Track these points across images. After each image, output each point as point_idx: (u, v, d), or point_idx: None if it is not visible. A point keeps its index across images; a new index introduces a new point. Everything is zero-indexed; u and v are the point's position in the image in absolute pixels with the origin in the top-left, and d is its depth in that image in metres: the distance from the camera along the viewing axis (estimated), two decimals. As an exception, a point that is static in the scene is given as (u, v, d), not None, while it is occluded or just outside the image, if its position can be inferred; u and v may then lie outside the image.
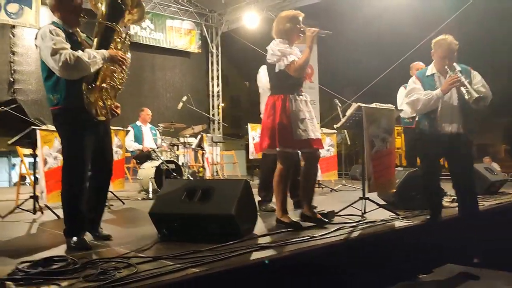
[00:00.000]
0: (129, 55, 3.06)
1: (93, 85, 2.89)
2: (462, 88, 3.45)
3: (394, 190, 4.34)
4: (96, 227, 3.09)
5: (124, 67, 3.02)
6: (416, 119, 4.02)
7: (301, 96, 3.56)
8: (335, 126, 4.58)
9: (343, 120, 4.14)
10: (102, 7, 2.98)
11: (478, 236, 3.54)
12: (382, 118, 4.20)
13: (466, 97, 3.41)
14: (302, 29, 3.59)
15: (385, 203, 4.48)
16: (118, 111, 3.10)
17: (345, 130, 7.08)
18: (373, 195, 4.25)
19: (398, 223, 3.69)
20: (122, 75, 3.04)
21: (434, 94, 3.56)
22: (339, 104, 6.97)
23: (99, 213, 3.13)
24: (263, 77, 4.38)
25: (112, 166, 3.20)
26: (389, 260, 3.31)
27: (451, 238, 3.87)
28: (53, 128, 4.92)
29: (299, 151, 3.70)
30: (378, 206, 4.09)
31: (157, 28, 11.34)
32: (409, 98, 3.68)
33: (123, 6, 3.01)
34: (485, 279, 3.25)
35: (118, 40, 3.01)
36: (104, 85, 2.95)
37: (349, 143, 7.90)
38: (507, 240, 3.53)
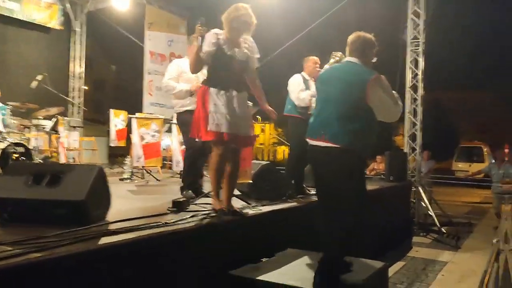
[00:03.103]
0: None
1: None
2: None
3: (251, 181, 4.65)
4: None
5: None
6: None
7: (234, 92, 3.52)
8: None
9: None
10: None
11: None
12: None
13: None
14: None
15: (239, 193, 4.77)
16: None
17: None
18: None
19: (248, 212, 3.97)
20: None
21: None
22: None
23: None
24: None
25: None
26: (237, 245, 3.55)
27: (292, 226, 4.31)
28: None
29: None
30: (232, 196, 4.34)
31: (11, -3, 10.21)
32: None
33: None
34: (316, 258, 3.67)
35: None
36: None
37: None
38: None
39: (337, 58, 4.83)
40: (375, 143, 3.35)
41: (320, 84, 3.46)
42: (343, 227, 3.14)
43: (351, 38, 3.35)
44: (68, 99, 10.76)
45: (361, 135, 3.11)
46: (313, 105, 5.13)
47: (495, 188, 9.38)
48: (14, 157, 5.42)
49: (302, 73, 5.42)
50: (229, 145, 3.55)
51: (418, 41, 8.65)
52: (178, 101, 4.86)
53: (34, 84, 6.94)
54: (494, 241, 2.66)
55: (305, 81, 5.34)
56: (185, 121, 4.80)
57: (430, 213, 8.58)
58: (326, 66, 4.74)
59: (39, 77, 6.96)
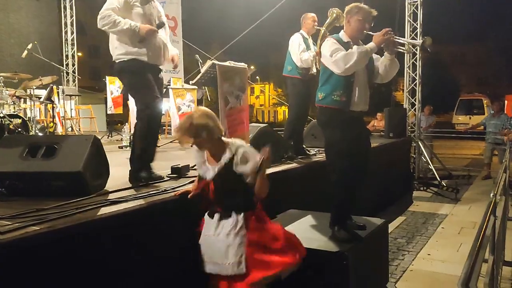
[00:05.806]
0: None
1: None
2: (400, 40, 3.29)
3: (249, 144, 4.61)
4: None
5: None
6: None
7: None
8: (190, 82, 4.64)
9: (198, 76, 4.21)
10: None
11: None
12: (236, 76, 4.37)
13: (406, 48, 3.33)
14: None
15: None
16: None
17: (206, 87, 7.18)
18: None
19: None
20: None
21: (368, 47, 3.21)
22: (200, 60, 6.98)
23: None
24: None
25: None
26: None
27: (293, 187, 4.33)
28: None
29: None
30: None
31: (-4, -37, 9.87)
32: (335, 55, 3.17)
33: None
34: (318, 218, 3.72)
35: None
36: None
37: (209, 99, 8.03)
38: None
39: (334, 15, 4.70)
40: (363, 100, 3.40)
41: None
42: (344, 187, 3.35)
43: None
44: (62, 67, 10.59)
45: (331, 93, 3.31)
46: (315, 65, 5.03)
47: (488, 138, 9.37)
48: (10, 129, 5.36)
49: (302, 31, 5.25)
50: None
51: (417, -7, 8.42)
52: (120, 44, 3.54)
53: (24, 53, 6.78)
54: (491, 194, 2.66)
55: (305, 40, 5.18)
56: (129, 71, 3.51)
57: (430, 167, 8.63)
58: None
59: (30, 46, 6.79)
